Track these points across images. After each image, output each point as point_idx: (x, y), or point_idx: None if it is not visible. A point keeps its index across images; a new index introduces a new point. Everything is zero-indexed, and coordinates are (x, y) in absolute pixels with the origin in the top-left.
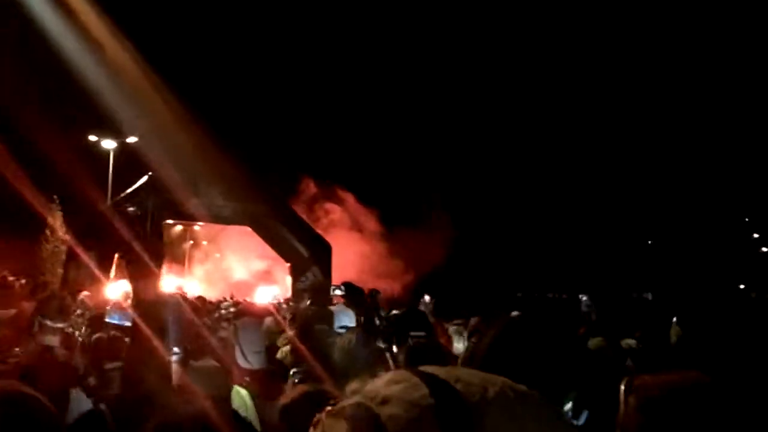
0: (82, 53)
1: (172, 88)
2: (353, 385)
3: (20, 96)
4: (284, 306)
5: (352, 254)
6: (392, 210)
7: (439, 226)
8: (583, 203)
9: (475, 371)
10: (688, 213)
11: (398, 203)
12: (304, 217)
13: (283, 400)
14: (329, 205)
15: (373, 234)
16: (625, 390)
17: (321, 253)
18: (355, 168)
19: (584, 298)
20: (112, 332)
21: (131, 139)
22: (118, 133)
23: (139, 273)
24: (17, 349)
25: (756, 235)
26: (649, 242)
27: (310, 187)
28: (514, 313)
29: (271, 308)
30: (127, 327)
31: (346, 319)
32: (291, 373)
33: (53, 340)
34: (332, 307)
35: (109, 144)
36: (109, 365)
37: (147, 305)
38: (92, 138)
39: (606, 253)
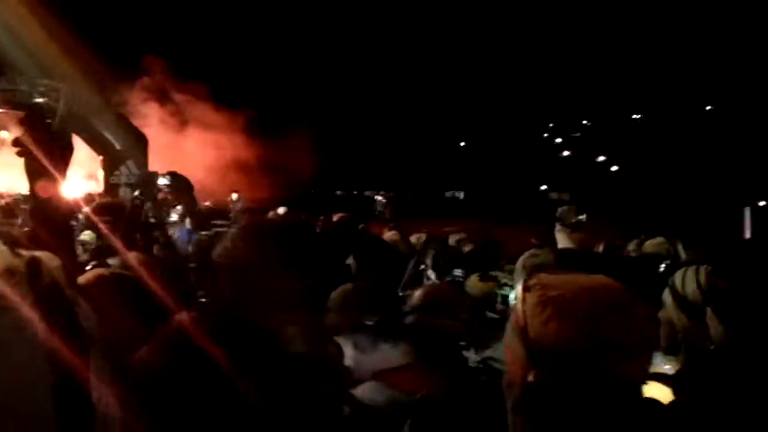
0: None
1: None
2: None
3: None
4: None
5: (202, 156)
6: (259, 114)
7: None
8: (396, 104)
9: None
10: (496, 116)
11: (267, 107)
12: (141, 107)
13: (80, 281)
14: (178, 96)
15: (232, 136)
16: (522, 288)
17: (135, 146)
18: (217, 58)
19: (378, 197)
20: None
21: None
22: None
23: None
24: None
25: (559, 140)
26: (462, 144)
27: (155, 72)
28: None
29: (81, 203)
30: None
31: None
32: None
33: None
34: None
35: None
36: None
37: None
38: None
39: (420, 154)
